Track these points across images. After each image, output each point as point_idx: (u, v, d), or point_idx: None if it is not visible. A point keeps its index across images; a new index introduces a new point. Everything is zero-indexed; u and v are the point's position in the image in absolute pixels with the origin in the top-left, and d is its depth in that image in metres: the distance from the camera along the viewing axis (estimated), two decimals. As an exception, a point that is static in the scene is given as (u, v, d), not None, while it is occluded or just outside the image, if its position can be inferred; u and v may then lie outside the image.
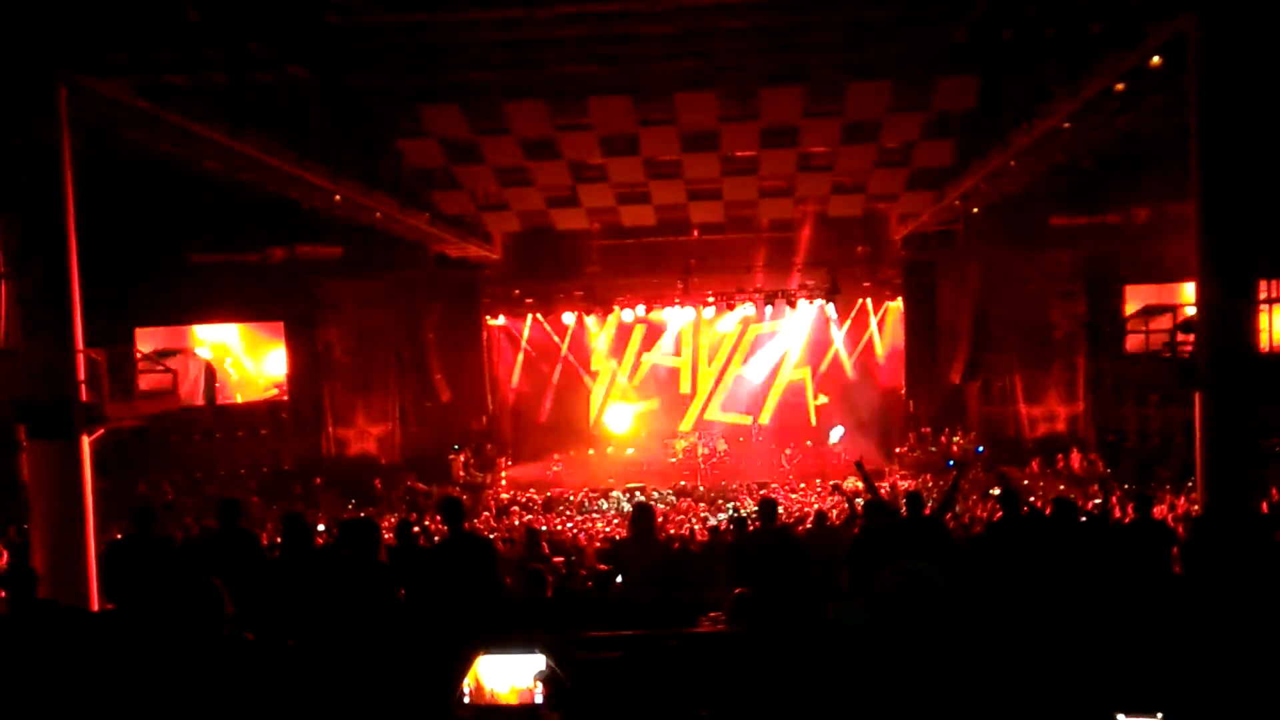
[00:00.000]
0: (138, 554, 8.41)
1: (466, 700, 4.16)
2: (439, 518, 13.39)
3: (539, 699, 4.14)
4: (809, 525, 13.38)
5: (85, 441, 11.62)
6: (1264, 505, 12.46)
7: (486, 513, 21.08)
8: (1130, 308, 23.58)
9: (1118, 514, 15.02)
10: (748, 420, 29.21)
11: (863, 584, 7.01)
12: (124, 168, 16.84)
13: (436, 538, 13.76)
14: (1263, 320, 12.22)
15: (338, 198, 18.81)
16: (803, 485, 23.90)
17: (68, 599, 9.53)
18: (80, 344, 11.80)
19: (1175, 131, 13.05)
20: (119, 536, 11.89)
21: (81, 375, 11.77)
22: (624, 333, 29.02)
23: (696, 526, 17.08)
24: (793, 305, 26.90)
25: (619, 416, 29.22)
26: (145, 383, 21.83)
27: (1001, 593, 6.06)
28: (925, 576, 2.89)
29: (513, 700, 4.13)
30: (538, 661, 4.22)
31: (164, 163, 16.37)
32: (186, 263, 23.85)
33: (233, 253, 24.10)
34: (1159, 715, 3.97)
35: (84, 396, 11.76)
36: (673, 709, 4.05)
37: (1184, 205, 13.30)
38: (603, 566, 11.56)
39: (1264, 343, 12.22)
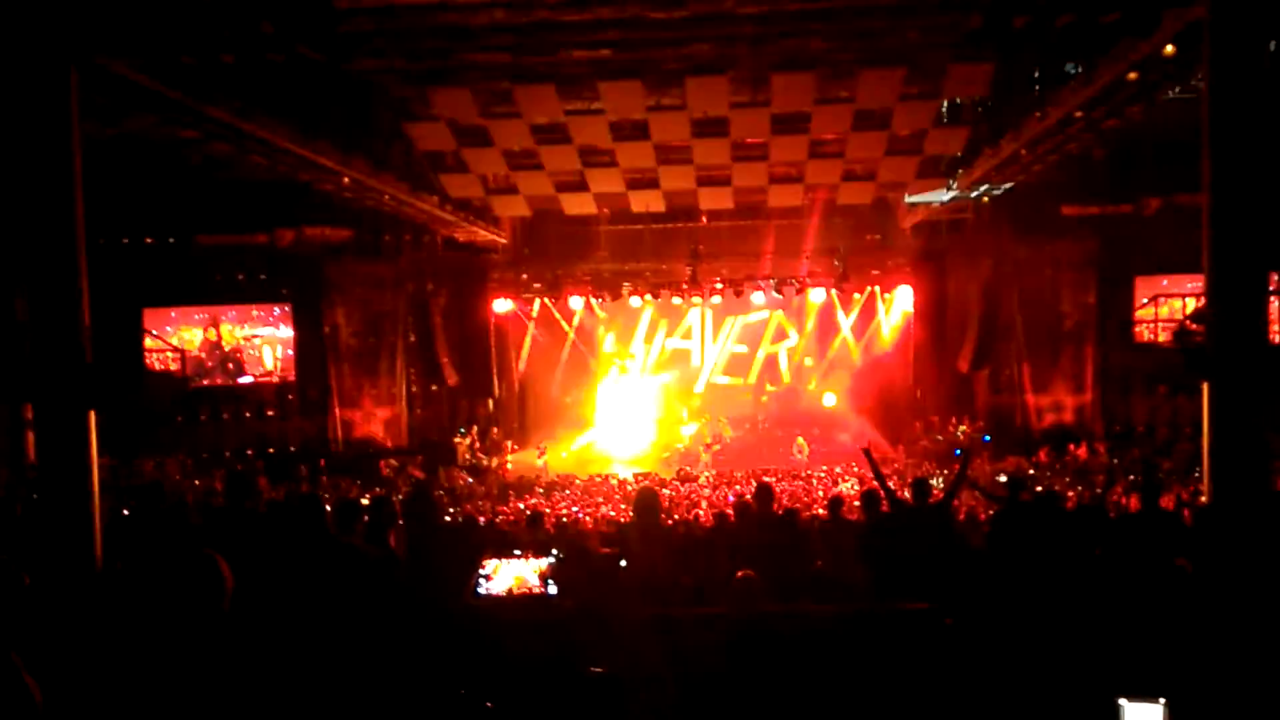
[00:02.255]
0: (144, 530, 8.45)
1: (482, 591, 4.21)
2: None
3: (551, 589, 4.19)
4: (821, 513, 13.39)
5: (92, 419, 11.64)
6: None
7: (488, 499, 21.14)
8: (1140, 298, 23.54)
9: (1123, 502, 15.00)
10: (740, 381, 29.62)
11: (881, 576, 7.01)
12: (133, 149, 16.85)
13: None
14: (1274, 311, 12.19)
15: (346, 180, 18.80)
16: (807, 472, 23.91)
17: (73, 575, 9.59)
18: (87, 323, 11.81)
19: (1189, 122, 12.99)
20: (125, 513, 11.95)
21: (88, 353, 11.78)
22: (630, 319, 29.17)
23: (700, 512, 17.08)
24: (801, 293, 26.96)
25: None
26: (154, 363, 22.01)
27: (1007, 580, 6.07)
28: None
29: (526, 590, 4.19)
30: (547, 562, 4.27)
31: (173, 144, 16.38)
32: (193, 244, 23.84)
33: (241, 234, 24.07)
34: (1161, 701, 3.98)
35: (90, 377, 11.78)
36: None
37: (1197, 196, 13.24)
38: (606, 550, 11.56)
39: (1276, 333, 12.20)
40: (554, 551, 4.09)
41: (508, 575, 4.30)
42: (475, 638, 4.16)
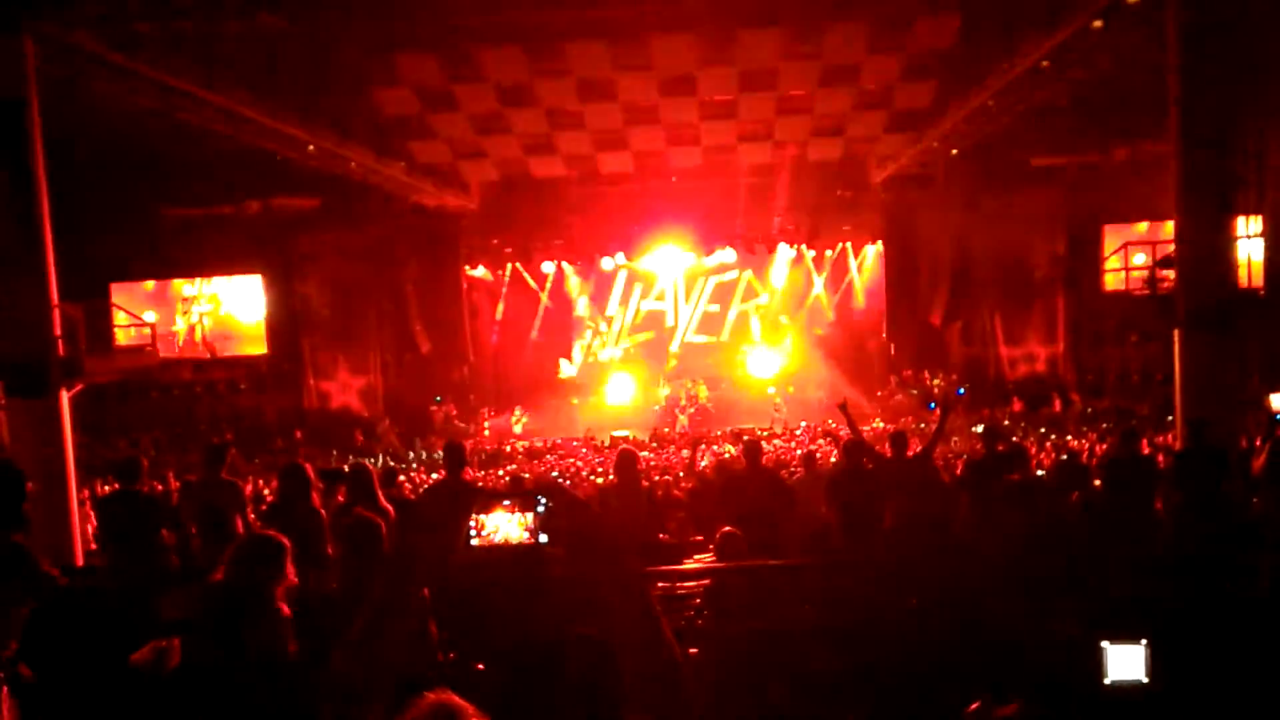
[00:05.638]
0: (127, 509, 8.37)
1: (475, 541, 4.23)
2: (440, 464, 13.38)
3: (543, 538, 4.21)
4: (797, 469, 13.45)
5: (64, 397, 11.55)
6: (1243, 440, 12.59)
7: (466, 465, 21.10)
8: (1109, 247, 23.64)
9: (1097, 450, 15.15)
10: (714, 339, 29.73)
11: (850, 520, 7.07)
12: (95, 121, 16.59)
13: (423, 488, 13.78)
14: (1241, 256, 12.30)
15: (311, 148, 18.60)
16: (780, 430, 24.00)
17: (51, 555, 9.51)
18: (55, 299, 11.68)
19: (1154, 70, 13.02)
20: (107, 492, 11.85)
21: (58, 330, 11.66)
22: (604, 281, 29.07)
23: (680, 473, 17.13)
24: (771, 250, 27.01)
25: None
26: (123, 339, 21.80)
27: (985, 526, 6.13)
28: None
29: (519, 540, 4.21)
30: (533, 513, 4.30)
31: (135, 115, 16.14)
32: (160, 216, 23.58)
33: (207, 206, 23.82)
34: (1143, 642, 4.03)
35: (61, 352, 11.67)
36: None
37: (1163, 144, 13.32)
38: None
39: (1242, 279, 12.31)
40: (541, 500, 4.08)
41: (496, 528, 4.29)
42: (466, 591, 4.18)
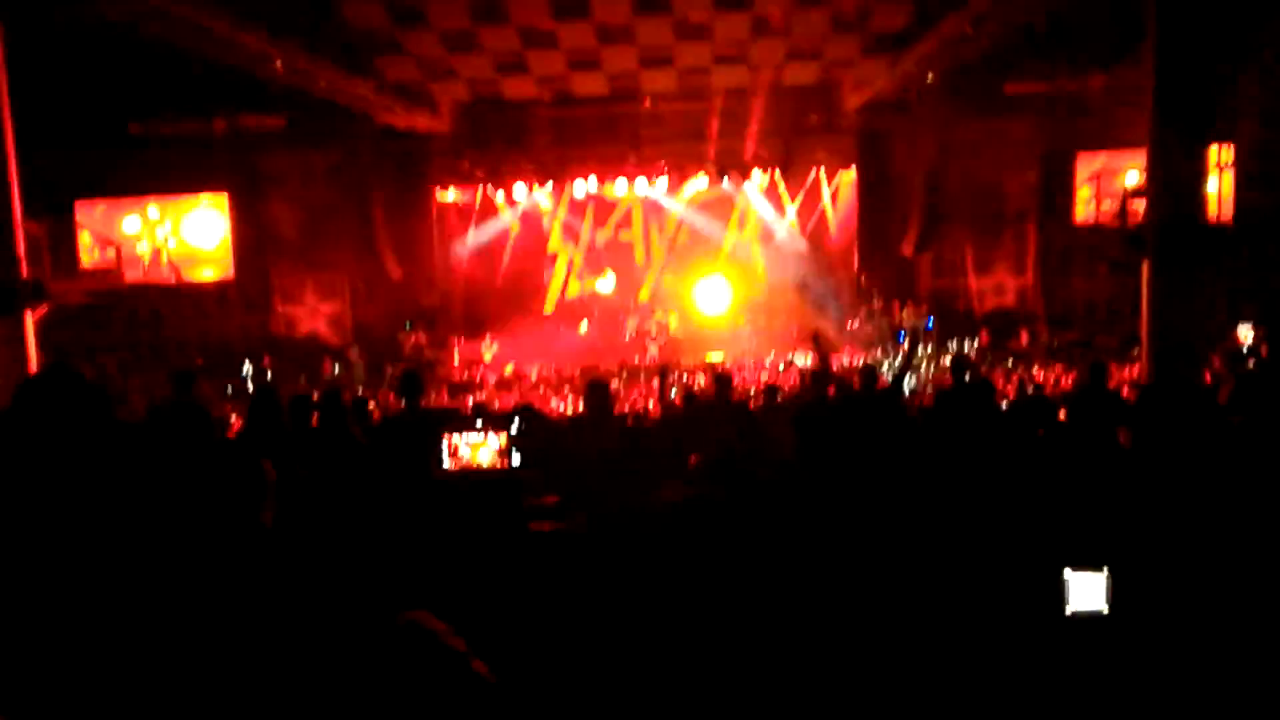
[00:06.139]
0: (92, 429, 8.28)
1: (446, 465, 4.21)
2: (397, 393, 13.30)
3: (515, 462, 4.20)
4: (759, 399, 13.52)
5: (29, 318, 11.40)
6: (1206, 374, 12.73)
7: (438, 392, 21.09)
8: (1082, 177, 23.62)
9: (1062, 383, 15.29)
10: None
11: (810, 451, 7.08)
12: (60, 35, 16.18)
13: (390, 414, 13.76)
14: (1211, 188, 12.33)
15: (279, 64, 18.22)
16: (749, 362, 24.01)
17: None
18: (19, 218, 11.48)
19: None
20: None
21: (21, 251, 11.47)
22: (577, 210, 28.71)
23: (650, 403, 17.19)
24: (746, 176, 26.77)
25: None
26: (88, 261, 21.52)
27: (949, 458, 6.15)
28: None
29: (491, 464, 4.19)
30: (506, 435, 4.29)
31: (101, 29, 15.74)
32: (126, 133, 23.12)
33: (174, 122, 23.36)
34: (1105, 570, 4.10)
35: (25, 272, 11.50)
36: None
37: (1138, 72, 13.25)
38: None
39: (1212, 212, 12.36)
40: (515, 420, 4.06)
41: (468, 450, 4.28)
42: (439, 512, 4.15)
